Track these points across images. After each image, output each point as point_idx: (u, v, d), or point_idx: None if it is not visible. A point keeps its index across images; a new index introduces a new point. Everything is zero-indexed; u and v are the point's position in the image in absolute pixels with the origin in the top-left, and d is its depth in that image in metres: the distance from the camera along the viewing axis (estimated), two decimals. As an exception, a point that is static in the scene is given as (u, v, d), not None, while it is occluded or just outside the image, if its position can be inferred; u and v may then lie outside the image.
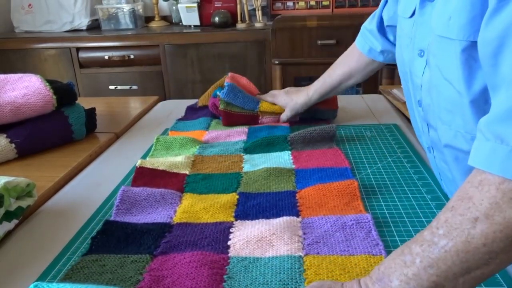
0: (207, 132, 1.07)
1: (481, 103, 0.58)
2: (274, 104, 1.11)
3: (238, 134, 1.03)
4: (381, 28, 1.00)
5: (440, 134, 0.67)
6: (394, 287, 0.45)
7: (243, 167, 0.87)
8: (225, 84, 1.11)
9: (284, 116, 1.09)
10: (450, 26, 0.58)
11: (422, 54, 0.68)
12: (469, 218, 0.42)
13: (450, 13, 0.58)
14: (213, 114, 1.17)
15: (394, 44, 0.98)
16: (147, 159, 0.91)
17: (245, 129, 1.07)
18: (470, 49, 0.56)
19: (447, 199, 0.73)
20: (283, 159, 0.89)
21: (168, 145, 0.97)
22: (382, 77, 2.04)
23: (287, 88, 1.12)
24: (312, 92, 1.07)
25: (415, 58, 0.71)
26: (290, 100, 1.08)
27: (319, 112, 1.13)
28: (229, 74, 1.16)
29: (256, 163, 0.88)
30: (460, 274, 0.42)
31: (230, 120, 1.09)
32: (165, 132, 1.10)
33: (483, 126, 0.45)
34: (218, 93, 1.11)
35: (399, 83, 1.88)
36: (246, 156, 0.91)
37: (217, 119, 1.15)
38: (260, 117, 1.11)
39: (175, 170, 0.85)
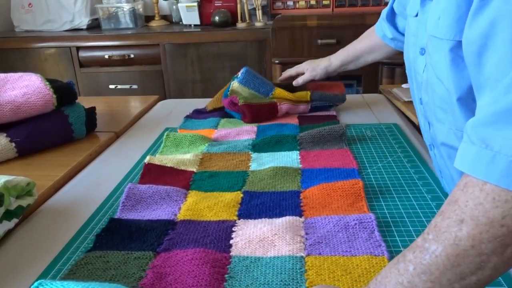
0: (216, 130, 1.07)
1: (469, 101, 0.59)
2: (287, 91, 1.17)
3: (248, 133, 1.04)
4: (391, 17, 1.05)
5: (436, 131, 0.69)
6: None
7: (250, 165, 0.87)
8: (240, 71, 1.16)
9: (300, 79, 1.16)
10: (439, 26, 0.60)
11: (423, 52, 0.70)
12: (455, 220, 0.42)
13: (439, 13, 0.60)
14: (222, 114, 1.17)
15: (402, 34, 1.02)
16: (156, 155, 0.92)
17: (254, 127, 1.07)
18: (457, 48, 0.57)
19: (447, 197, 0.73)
20: (290, 158, 0.89)
21: (178, 142, 0.98)
22: (382, 76, 2.03)
23: (309, 60, 1.21)
24: (334, 59, 1.14)
25: (417, 56, 0.72)
26: (311, 63, 1.16)
27: (328, 96, 1.17)
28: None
29: (264, 162, 0.88)
30: (454, 280, 0.41)
31: (252, 114, 1.11)
32: (165, 132, 1.10)
33: (469, 129, 0.45)
34: (233, 81, 1.15)
35: (399, 83, 1.88)
36: (254, 155, 0.92)
37: (226, 118, 1.16)
38: (278, 105, 1.13)
39: (182, 168, 0.85)
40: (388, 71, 2.02)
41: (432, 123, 0.71)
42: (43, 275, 0.58)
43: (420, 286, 0.42)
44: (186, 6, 2.40)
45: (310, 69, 1.16)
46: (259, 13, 2.31)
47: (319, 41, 2.04)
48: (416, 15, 0.73)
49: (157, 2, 2.58)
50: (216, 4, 2.40)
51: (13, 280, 0.58)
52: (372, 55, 1.14)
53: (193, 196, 0.75)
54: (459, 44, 0.57)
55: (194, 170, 0.85)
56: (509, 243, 0.39)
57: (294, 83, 1.14)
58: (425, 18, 0.68)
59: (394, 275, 0.45)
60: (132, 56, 2.30)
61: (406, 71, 0.85)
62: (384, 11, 1.06)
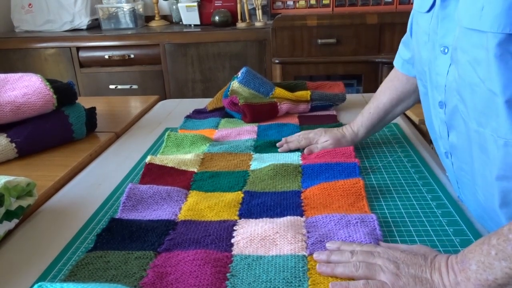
0: (216, 130, 1.07)
1: None
2: (288, 91, 1.16)
3: (248, 133, 1.04)
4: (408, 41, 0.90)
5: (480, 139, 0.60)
6: (472, 270, 0.48)
7: (250, 165, 0.87)
8: (240, 71, 1.16)
9: (318, 148, 0.92)
10: (483, 17, 0.53)
11: (446, 51, 0.63)
12: None
13: (482, 3, 0.53)
14: (223, 114, 1.17)
15: None
16: (157, 155, 0.92)
17: (254, 127, 1.07)
18: (507, 42, 0.51)
19: (449, 199, 0.73)
20: (291, 159, 0.89)
21: (179, 142, 0.98)
22: (382, 76, 2.03)
23: (318, 129, 0.97)
24: (357, 127, 0.94)
25: (437, 56, 0.65)
26: (332, 134, 0.94)
27: (328, 96, 1.18)
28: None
29: (265, 161, 0.88)
30: None
31: (253, 114, 1.11)
32: (165, 132, 1.10)
33: None
34: (233, 81, 1.15)
35: (400, 83, 1.87)
36: (255, 155, 0.92)
37: (226, 118, 1.16)
38: (278, 104, 1.14)
39: (183, 168, 0.85)
40: (388, 71, 2.02)
41: (466, 131, 0.62)
42: (44, 275, 0.58)
43: (499, 269, 0.46)
44: (186, 6, 2.40)
45: (332, 142, 0.92)
46: (259, 13, 2.31)
47: (319, 40, 2.05)
48: (430, 10, 0.67)
49: (157, 2, 2.58)
50: (216, 4, 2.40)
51: (13, 280, 0.59)
52: (401, 105, 0.92)
53: (194, 196, 0.75)
54: (508, 37, 0.51)
55: (195, 170, 0.85)
56: None
57: (306, 151, 0.92)
58: (448, 12, 0.62)
59: (477, 253, 0.49)
60: (132, 56, 2.30)
61: (416, 73, 0.78)
62: (405, 36, 0.91)
